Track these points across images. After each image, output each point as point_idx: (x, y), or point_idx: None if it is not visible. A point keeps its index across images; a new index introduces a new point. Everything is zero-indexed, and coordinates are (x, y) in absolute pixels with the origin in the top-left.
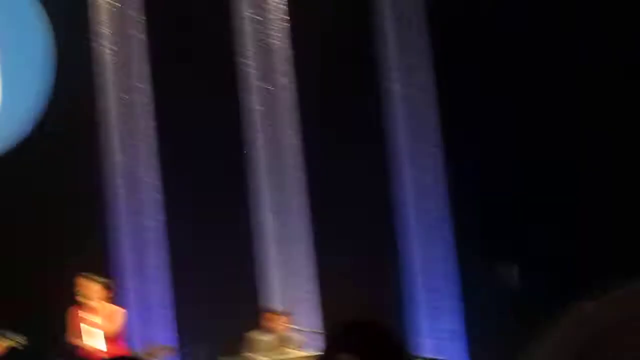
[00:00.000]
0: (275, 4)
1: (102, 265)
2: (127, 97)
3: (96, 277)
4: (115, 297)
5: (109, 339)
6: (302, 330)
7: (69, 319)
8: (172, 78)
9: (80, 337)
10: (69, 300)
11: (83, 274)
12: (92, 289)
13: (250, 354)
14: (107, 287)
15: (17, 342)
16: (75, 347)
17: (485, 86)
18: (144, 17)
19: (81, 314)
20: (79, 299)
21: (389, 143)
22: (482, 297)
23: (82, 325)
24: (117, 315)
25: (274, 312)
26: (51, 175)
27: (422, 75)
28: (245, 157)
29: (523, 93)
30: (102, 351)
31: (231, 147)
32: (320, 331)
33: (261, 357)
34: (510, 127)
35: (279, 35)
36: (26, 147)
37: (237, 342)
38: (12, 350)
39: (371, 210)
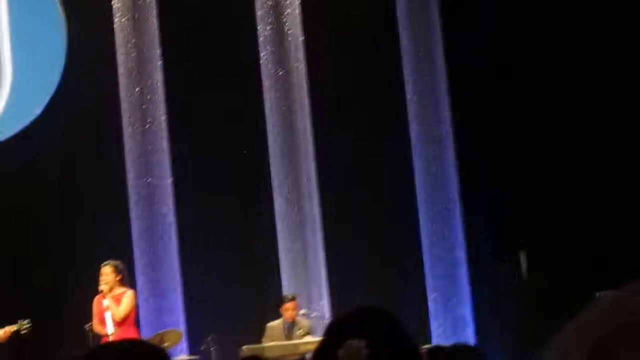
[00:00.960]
0: None
1: (118, 251)
2: (143, 84)
3: (110, 261)
4: (127, 279)
5: (119, 322)
6: (314, 317)
7: (93, 308)
8: (187, 64)
9: (101, 324)
10: (91, 289)
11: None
12: (104, 273)
13: (265, 341)
14: (118, 270)
15: (22, 326)
16: (97, 335)
17: (494, 73)
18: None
19: (100, 300)
20: (100, 287)
21: (405, 130)
22: (492, 284)
23: (100, 311)
24: (127, 297)
25: (287, 298)
26: (65, 162)
27: (437, 62)
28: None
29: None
30: (112, 334)
31: (247, 134)
32: (328, 317)
33: (275, 343)
34: (525, 121)
35: (293, 21)
36: (39, 134)
37: (251, 329)
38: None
39: (385, 199)
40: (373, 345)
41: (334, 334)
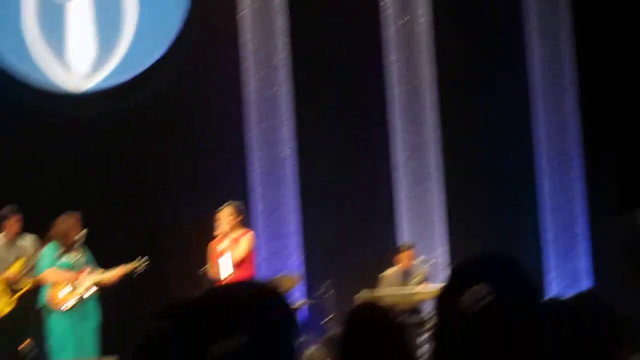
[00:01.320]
0: None
1: (237, 194)
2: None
3: (230, 202)
4: (247, 221)
5: (237, 263)
6: (430, 264)
7: (208, 253)
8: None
9: (216, 269)
10: (209, 233)
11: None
12: (222, 214)
13: (381, 289)
14: (239, 211)
15: (139, 263)
16: (212, 280)
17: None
18: None
19: (216, 245)
20: (218, 229)
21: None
22: (611, 238)
23: (216, 255)
24: (246, 239)
25: (404, 247)
26: (183, 106)
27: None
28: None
29: None
30: (230, 275)
31: (368, 82)
32: (444, 265)
33: (391, 290)
34: None
35: None
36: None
37: (368, 276)
38: (136, 273)
39: (505, 149)
40: (497, 292)
41: (457, 280)
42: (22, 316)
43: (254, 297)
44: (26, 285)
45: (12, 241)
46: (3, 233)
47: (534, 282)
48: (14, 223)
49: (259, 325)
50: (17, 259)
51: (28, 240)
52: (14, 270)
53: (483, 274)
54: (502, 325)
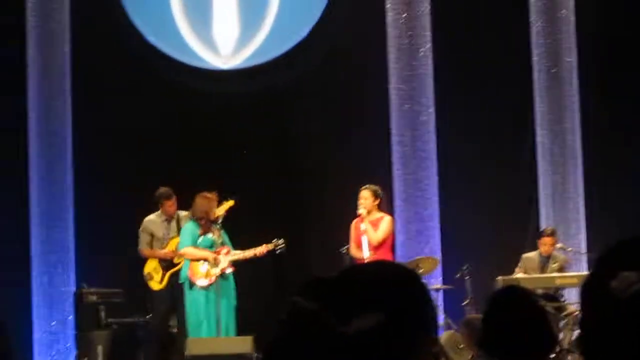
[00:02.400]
0: None
1: (378, 175)
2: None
3: (368, 186)
4: (385, 205)
5: (376, 246)
6: (570, 250)
7: (350, 231)
8: None
9: (357, 248)
10: (349, 212)
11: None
12: (363, 196)
13: (518, 271)
14: (377, 195)
15: (277, 245)
16: (353, 259)
17: None
18: None
19: (358, 224)
20: (359, 210)
21: None
22: None
23: (358, 235)
24: (385, 222)
25: (546, 232)
26: (325, 87)
27: None
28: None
29: None
30: (367, 258)
31: (512, 67)
32: (584, 252)
33: (530, 276)
34: None
35: None
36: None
37: (507, 261)
38: (274, 254)
39: None
40: None
41: (605, 265)
42: (171, 292)
43: (393, 276)
44: (179, 264)
45: (167, 220)
46: (159, 212)
47: None
48: (171, 205)
49: (396, 304)
50: (171, 238)
51: (182, 220)
52: (168, 249)
53: (632, 259)
54: None
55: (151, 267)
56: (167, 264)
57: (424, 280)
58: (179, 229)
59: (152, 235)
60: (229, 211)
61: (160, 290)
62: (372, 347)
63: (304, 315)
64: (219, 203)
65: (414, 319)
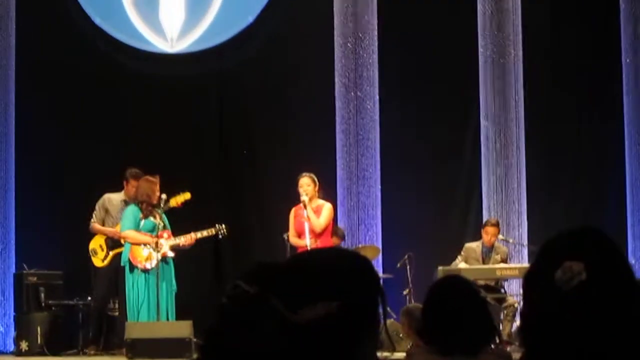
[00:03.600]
0: None
1: (322, 162)
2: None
3: (307, 173)
4: (325, 192)
5: (318, 233)
6: (512, 242)
7: (290, 218)
8: None
9: (298, 235)
10: (289, 199)
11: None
12: (304, 183)
13: (460, 259)
14: (315, 182)
15: (220, 230)
16: (293, 246)
17: None
18: None
19: (299, 211)
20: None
21: None
22: None
23: (299, 222)
24: (327, 209)
25: (490, 223)
26: (271, 72)
27: None
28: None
29: None
30: (309, 245)
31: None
32: (526, 244)
33: (471, 266)
34: None
35: None
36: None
37: (448, 250)
38: (215, 238)
39: (588, 134)
40: (591, 268)
41: (549, 255)
42: (114, 274)
43: (347, 264)
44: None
45: (125, 202)
46: (121, 192)
47: (627, 260)
48: (134, 186)
49: (349, 293)
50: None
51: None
52: (117, 229)
53: (576, 250)
54: (598, 304)
55: (97, 244)
56: (113, 243)
57: (375, 268)
58: None
59: (107, 212)
60: (184, 203)
61: (103, 270)
62: (322, 336)
63: (246, 300)
64: (175, 194)
65: (366, 308)
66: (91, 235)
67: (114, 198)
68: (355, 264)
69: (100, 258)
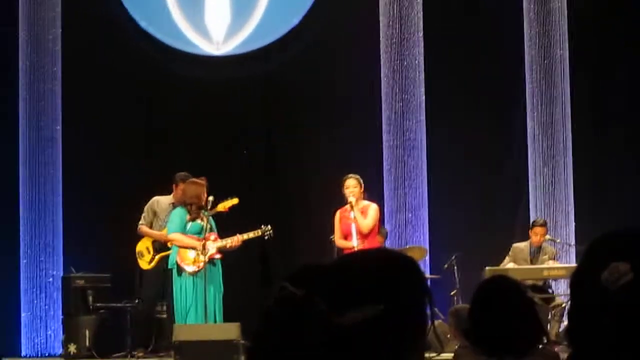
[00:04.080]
0: None
1: (367, 164)
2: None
3: (353, 175)
4: (370, 194)
5: (365, 234)
6: (559, 242)
7: (335, 220)
8: None
9: (344, 237)
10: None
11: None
12: (350, 185)
13: (507, 260)
14: (361, 183)
15: (265, 231)
16: (339, 248)
17: None
18: None
19: (343, 213)
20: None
21: None
22: None
23: (346, 224)
24: (373, 210)
25: (538, 223)
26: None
27: None
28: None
29: None
30: (357, 246)
31: (502, 54)
32: (573, 244)
33: (518, 267)
34: None
35: None
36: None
37: (495, 251)
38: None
39: None
40: (638, 269)
41: (596, 256)
42: (161, 278)
43: (392, 265)
44: (171, 249)
45: (174, 205)
46: (170, 195)
47: None
48: (181, 190)
49: (395, 295)
50: None
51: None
52: (164, 232)
53: (623, 250)
54: None
55: (143, 246)
56: (160, 246)
57: (421, 268)
58: None
59: (155, 215)
60: (231, 208)
61: (149, 272)
62: (368, 339)
63: (292, 302)
64: (223, 199)
65: (413, 310)
66: (139, 237)
67: (162, 201)
68: (401, 264)
69: (146, 260)
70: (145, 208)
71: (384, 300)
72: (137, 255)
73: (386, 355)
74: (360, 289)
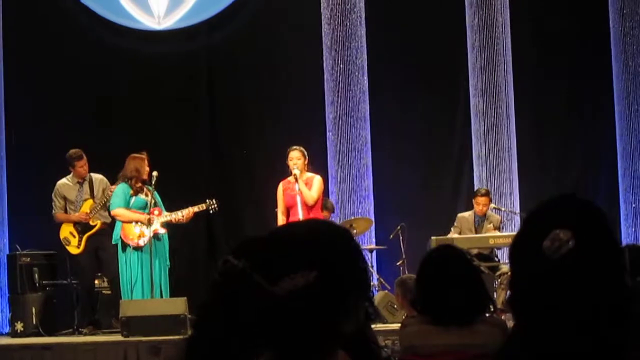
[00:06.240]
0: None
1: (313, 135)
2: None
3: (297, 146)
4: (315, 166)
5: (310, 205)
6: (504, 210)
7: (278, 192)
8: None
9: (285, 209)
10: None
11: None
12: (295, 157)
13: (453, 230)
14: (305, 155)
15: (210, 205)
16: (282, 220)
17: None
18: None
19: (287, 185)
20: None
21: None
22: None
23: (290, 195)
24: (318, 181)
25: (480, 192)
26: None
27: None
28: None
29: None
30: (301, 218)
31: (446, 32)
32: (518, 212)
33: (464, 236)
34: None
35: None
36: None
37: (441, 220)
38: (207, 214)
39: (580, 100)
40: (579, 237)
41: (537, 224)
42: (93, 255)
43: (325, 234)
44: (95, 227)
45: (80, 183)
46: (70, 175)
47: (614, 230)
48: (81, 166)
49: (327, 263)
50: (84, 200)
51: (96, 182)
52: (82, 211)
53: (564, 218)
54: (587, 272)
55: (67, 232)
56: (82, 227)
57: (356, 239)
58: (91, 190)
59: (65, 199)
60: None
61: (80, 254)
62: (304, 307)
63: (233, 274)
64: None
65: (346, 278)
66: (59, 225)
67: (65, 183)
68: (333, 233)
69: (74, 245)
70: (53, 196)
71: (316, 268)
72: (63, 243)
73: (322, 322)
74: (292, 259)
